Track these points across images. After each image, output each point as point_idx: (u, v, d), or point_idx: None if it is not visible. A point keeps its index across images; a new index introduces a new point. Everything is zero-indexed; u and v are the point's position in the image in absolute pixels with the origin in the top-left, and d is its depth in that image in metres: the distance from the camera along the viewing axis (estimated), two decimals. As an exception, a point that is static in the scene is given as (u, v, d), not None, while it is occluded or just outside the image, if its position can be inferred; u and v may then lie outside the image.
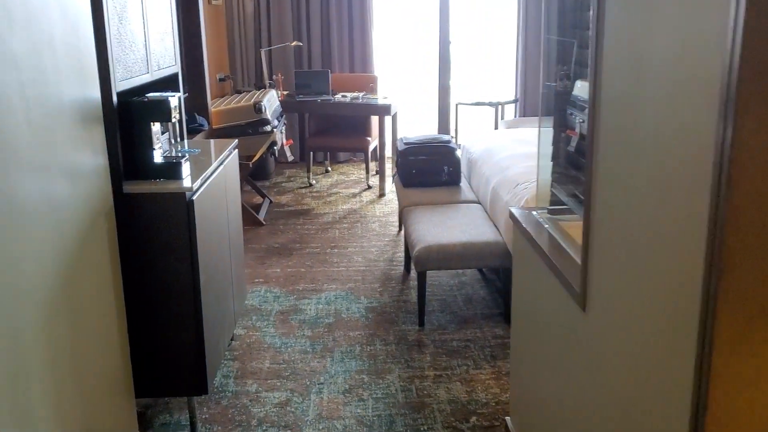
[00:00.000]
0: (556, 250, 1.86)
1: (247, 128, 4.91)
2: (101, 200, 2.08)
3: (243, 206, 5.07)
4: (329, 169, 6.76)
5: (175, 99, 2.37)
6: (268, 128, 4.98)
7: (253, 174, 5.97)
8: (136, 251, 2.33)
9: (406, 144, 4.52)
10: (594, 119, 1.51)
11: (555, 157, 2.10)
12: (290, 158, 5.52)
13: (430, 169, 4.38)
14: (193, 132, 4.32)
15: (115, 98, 2.21)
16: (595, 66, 1.50)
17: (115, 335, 2.16)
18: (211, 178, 2.61)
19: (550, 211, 2.15)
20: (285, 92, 6.15)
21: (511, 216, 2.26)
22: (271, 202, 5.65)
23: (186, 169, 2.46)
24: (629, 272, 1.33)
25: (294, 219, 5.27)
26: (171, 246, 2.34)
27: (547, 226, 2.05)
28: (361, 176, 6.49)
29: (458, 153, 4.45)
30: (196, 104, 4.56)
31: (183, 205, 2.31)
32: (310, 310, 3.67)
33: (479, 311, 3.62)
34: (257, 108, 4.90)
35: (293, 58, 6.81)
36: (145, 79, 2.53)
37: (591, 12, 1.50)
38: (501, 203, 3.54)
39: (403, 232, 4.87)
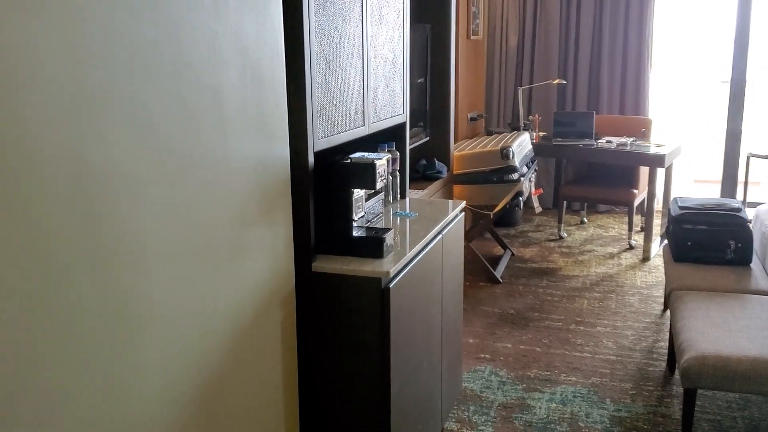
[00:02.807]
0: None
1: (492, 175, 4.41)
2: (280, 281, 1.71)
3: (480, 259, 4.58)
4: (585, 220, 5.98)
5: (383, 161, 1.93)
6: (515, 176, 4.42)
7: (497, 220, 5.45)
8: (316, 341, 1.94)
9: (681, 208, 3.65)
10: None
11: None
12: (538, 210, 4.89)
13: (712, 242, 3.47)
14: (430, 179, 3.93)
15: (311, 159, 1.84)
16: None
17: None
18: (420, 256, 2.13)
19: None
20: (541, 133, 5.55)
21: None
22: (512, 255, 5.07)
23: (390, 243, 2.01)
24: None
25: (536, 279, 4.63)
26: (358, 342, 1.90)
27: None
28: (622, 232, 5.62)
29: (750, 225, 3.48)
30: (437, 148, 4.17)
31: (376, 293, 1.87)
32: (540, 408, 3.02)
33: (770, 451, 2.68)
34: (504, 154, 4.38)
35: (555, 98, 6.18)
36: (359, 133, 2.15)
37: None
38: (816, 309, 2.58)
39: (668, 314, 3.98)
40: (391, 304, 1.88)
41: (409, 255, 2.02)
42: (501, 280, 4.57)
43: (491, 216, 4.52)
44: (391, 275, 1.89)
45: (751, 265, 3.42)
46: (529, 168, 4.72)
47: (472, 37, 5.59)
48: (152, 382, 1.26)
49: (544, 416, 2.96)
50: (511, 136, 4.87)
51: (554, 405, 3.05)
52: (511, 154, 4.39)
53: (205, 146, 1.39)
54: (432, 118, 4.09)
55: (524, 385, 3.23)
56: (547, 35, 6.13)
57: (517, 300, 4.28)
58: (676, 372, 3.30)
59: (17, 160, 0.95)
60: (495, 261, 4.85)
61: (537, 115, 5.64)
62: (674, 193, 5.44)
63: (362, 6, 2.11)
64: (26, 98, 0.96)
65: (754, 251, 3.49)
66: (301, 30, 1.74)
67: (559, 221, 5.56)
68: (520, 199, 4.53)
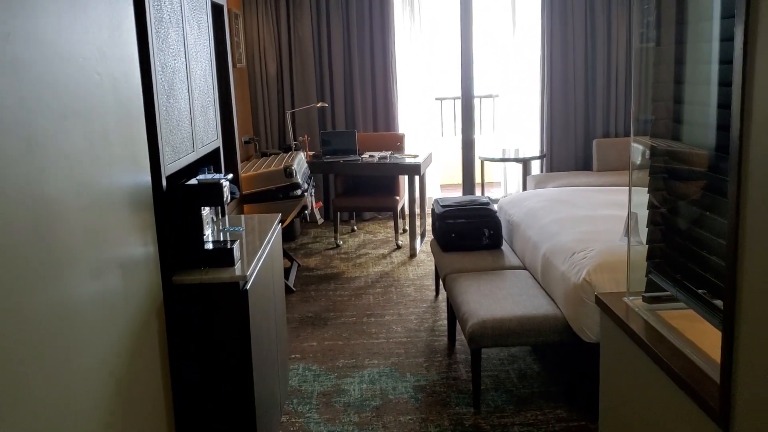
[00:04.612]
0: (671, 349, 1.65)
1: (278, 193, 4.75)
2: (152, 293, 1.89)
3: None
4: (355, 228, 6.58)
5: (225, 181, 2.19)
6: (299, 192, 4.82)
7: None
8: (184, 348, 2.13)
9: (443, 206, 4.34)
10: (741, 182, 1.29)
11: (654, 238, 1.90)
12: (320, 221, 5.35)
13: (471, 232, 4.18)
14: (224, 200, 4.15)
15: (164, 183, 2.04)
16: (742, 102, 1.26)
17: (165, 445, 1.94)
18: (261, 262, 2.42)
19: (646, 299, 1.94)
20: (311, 153, 6.02)
21: (599, 302, 2.05)
22: (299, 265, 5.45)
23: (237, 253, 2.27)
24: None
25: (325, 284, 5.06)
26: (222, 342, 2.13)
27: (649, 318, 1.84)
28: (389, 235, 6.31)
29: (498, 216, 4.26)
30: (227, 171, 4.40)
31: (236, 296, 2.12)
32: (354, 390, 3.44)
33: (536, 389, 3.37)
34: (287, 172, 4.75)
35: (317, 119, 6.71)
36: (191, 158, 2.37)
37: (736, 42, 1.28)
38: (556, 273, 3.33)
39: (440, 297, 4.66)
40: (249, 305, 2.14)
41: (255, 261, 2.30)
42: (294, 289, 4.92)
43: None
44: (247, 279, 2.16)
45: (502, 247, 4.19)
46: (308, 184, 5.15)
47: (238, 66, 5.89)
48: (57, 385, 1.39)
49: (359, 396, 3.38)
50: (289, 155, 5.26)
51: (365, 386, 3.48)
52: (294, 172, 4.77)
53: (99, 180, 1.56)
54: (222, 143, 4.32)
55: (336, 374, 3.61)
56: (303, 62, 6.64)
57: (312, 304, 4.66)
58: (457, 343, 3.93)
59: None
60: (285, 273, 5.18)
61: (306, 136, 6.10)
62: (427, 197, 6.26)
63: (185, 44, 2.35)
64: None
65: (503, 237, 4.27)
66: (149, 67, 1.94)
67: (335, 231, 6.08)
68: (306, 212, 4.93)
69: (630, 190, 2.01)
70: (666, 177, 1.91)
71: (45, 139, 1.30)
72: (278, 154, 5.62)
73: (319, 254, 5.83)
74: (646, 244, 1.93)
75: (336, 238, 6.08)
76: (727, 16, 1.66)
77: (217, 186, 2.14)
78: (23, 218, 1.22)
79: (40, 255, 1.29)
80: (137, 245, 1.81)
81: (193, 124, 2.42)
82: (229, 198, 2.19)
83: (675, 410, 1.60)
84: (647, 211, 1.96)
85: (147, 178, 1.90)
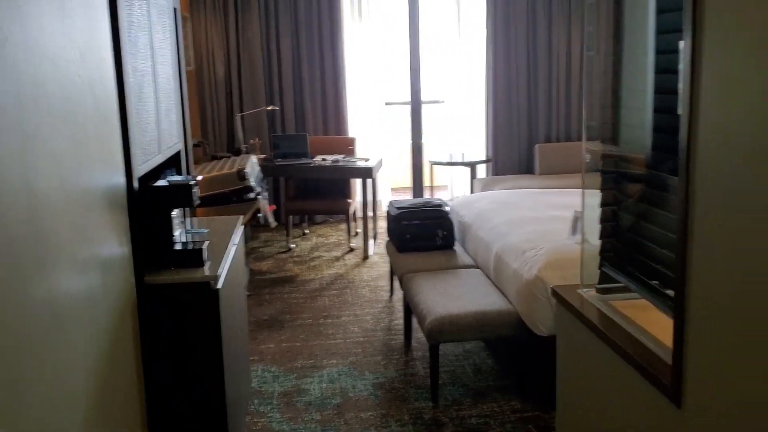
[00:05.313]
0: (625, 335, 1.78)
1: (231, 196, 4.75)
2: (127, 293, 1.92)
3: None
4: (307, 231, 6.62)
5: (196, 182, 2.24)
6: (252, 195, 4.84)
7: (231, 241, 5.78)
8: (157, 348, 2.16)
9: (398, 209, 4.44)
10: (689, 182, 1.42)
11: (606, 234, 2.04)
12: (273, 224, 5.36)
13: (425, 233, 4.30)
14: (179, 203, 4.15)
15: (136, 184, 2.07)
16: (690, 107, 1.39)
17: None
18: (229, 263, 2.46)
19: (599, 290, 2.08)
20: (262, 156, 6.04)
21: (556, 294, 2.18)
22: (251, 269, 5.47)
23: (206, 253, 2.31)
24: (744, 354, 1.25)
25: (279, 287, 5.09)
26: (194, 341, 2.17)
27: (602, 308, 1.98)
28: (341, 238, 6.38)
29: (450, 217, 4.39)
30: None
31: (208, 296, 2.16)
32: (315, 389, 3.49)
33: (491, 382, 3.50)
34: (241, 175, 4.76)
35: (266, 122, 6.72)
36: (158, 160, 2.40)
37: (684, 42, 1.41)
38: (508, 270, 3.48)
39: (395, 298, 4.75)
40: (220, 305, 2.19)
41: (224, 261, 2.35)
42: (249, 293, 4.94)
43: (233, 233, 4.86)
44: (218, 278, 2.20)
45: (455, 247, 4.32)
46: (261, 187, 5.17)
47: (187, 68, 5.86)
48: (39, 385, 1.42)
49: (320, 395, 3.44)
50: (241, 158, 5.27)
51: (325, 385, 3.54)
52: (247, 175, 4.79)
53: (80, 180, 1.59)
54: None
55: (295, 375, 3.66)
56: (252, 65, 6.65)
57: (268, 307, 4.69)
58: (413, 341, 4.04)
59: None
60: (238, 276, 5.19)
61: (257, 139, 6.11)
62: (378, 200, 6.36)
63: (152, 47, 2.37)
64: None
65: (455, 237, 4.40)
66: (122, 70, 1.98)
67: (287, 234, 6.11)
68: (259, 216, 4.95)
69: (583, 192, 2.15)
70: (615, 177, 2.06)
71: (37, 139, 1.33)
72: (229, 157, 5.62)
73: (271, 258, 5.85)
74: (599, 239, 2.07)
75: (288, 242, 6.11)
76: (664, 31, 1.83)
77: (188, 187, 2.18)
78: (19, 216, 1.26)
79: (32, 252, 1.32)
80: (114, 245, 1.84)
81: (159, 126, 2.45)
82: (197, 200, 2.23)
83: (630, 391, 1.73)
84: (597, 210, 2.10)
85: (122, 179, 1.93)
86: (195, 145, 5.89)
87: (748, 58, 1.20)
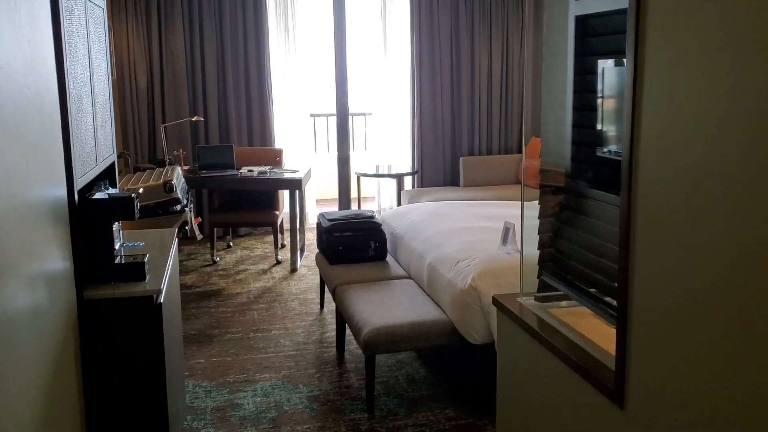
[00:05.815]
0: (565, 341, 1.87)
1: (157, 209, 4.64)
2: (68, 308, 1.86)
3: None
4: (231, 244, 6.53)
5: (136, 195, 2.19)
6: (179, 207, 4.74)
7: (155, 254, 5.64)
8: (98, 364, 2.10)
9: (330, 220, 4.46)
10: (632, 187, 1.51)
11: (544, 243, 2.14)
12: (199, 237, 5.26)
13: (357, 245, 4.34)
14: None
15: (76, 197, 2.01)
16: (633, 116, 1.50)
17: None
18: (168, 276, 2.42)
19: (539, 298, 2.17)
20: (186, 167, 5.93)
21: (496, 303, 2.27)
22: (177, 283, 5.34)
23: (146, 267, 2.26)
24: (685, 356, 1.36)
25: (206, 301, 5.00)
26: (136, 356, 2.12)
27: (542, 315, 2.07)
28: (267, 250, 6.32)
29: (382, 228, 4.45)
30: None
31: (151, 311, 2.12)
32: (249, 404, 3.46)
33: (425, 392, 3.56)
34: (167, 187, 4.66)
35: (189, 133, 6.60)
36: (95, 172, 2.34)
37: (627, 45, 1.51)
38: (442, 280, 3.56)
39: (325, 310, 4.76)
40: (162, 319, 2.15)
41: (165, 275, 2.31)
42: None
43: (159, 247, 4.75)
44: (161, 292, 2.17)
45: (387, 259, 4.37)
46: (187, 199, 5.07)
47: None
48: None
49: (254, 409, 3.40)
50: (166, 170, 5.15)
51: (259, 399, 3.51)
52: (174, 187, 4.70)
53: (30, 194, 1.54)
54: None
55: (228, 389, 3.61)
56: (176, 76, 6.52)
57: (195, 322, 4.60)
58: (346, 353, 4.06)
59: None
60: (163, 290, 5.06)
61: (182, 150, 6.00)
62: (305, 212, 6.35)
63: (89, 57, 2.32)
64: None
65: (387, 248, 4.46)
66: (63, 81, 1.92)
67: (212, 247, 6.01)
68: (186, 228, 4.86)
69: (522, 204, 2.25)
70: (552, 189, 2.17)
71: (-10, 152, 1.29)
72: (153, 169, 5.48)
73: (195, 271, 5.74)
74: (538, 249, 2.17)
75: (213, 255, 6.01)
76: (581, 54, 1.96)
77: (130, 200, 2.13)
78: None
79: (-17, 269, 1.27)
80: (57, 259, 1.78)
81: (96, 138, 2.39)
82: (138, 212, 2.19)
83: (572, 394, 1.82)
84: (534, 220, 2.21)
85: (63, 192, 1.88)
86: (117, 156, 5.71)
87: (687, 76, 1.31)
